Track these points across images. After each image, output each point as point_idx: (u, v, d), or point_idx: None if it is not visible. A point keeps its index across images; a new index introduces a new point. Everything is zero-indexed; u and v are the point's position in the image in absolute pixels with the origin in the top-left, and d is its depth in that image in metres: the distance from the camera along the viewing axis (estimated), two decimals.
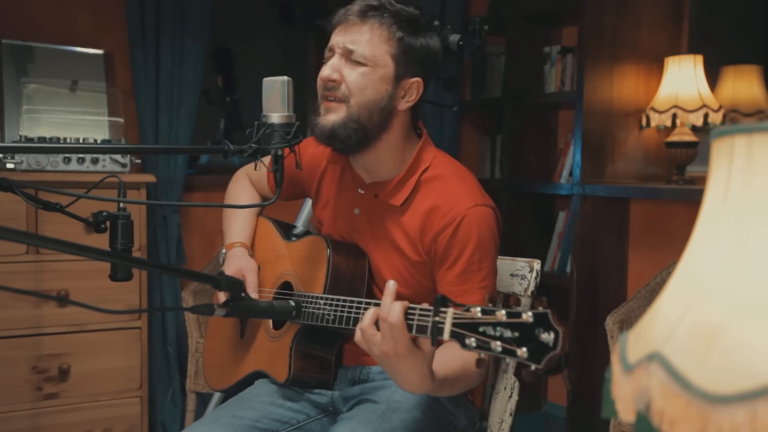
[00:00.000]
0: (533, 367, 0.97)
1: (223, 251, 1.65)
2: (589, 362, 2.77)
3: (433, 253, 1.40)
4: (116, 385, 2.47)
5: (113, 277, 1.22)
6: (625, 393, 0.61)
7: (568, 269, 2.92)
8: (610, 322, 1.99)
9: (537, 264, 1.56)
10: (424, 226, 1.40)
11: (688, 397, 0.53)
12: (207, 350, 1.73)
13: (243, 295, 1.29)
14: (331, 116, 1.37)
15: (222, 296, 1.35)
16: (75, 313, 2.37)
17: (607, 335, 2.00)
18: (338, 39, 1.38)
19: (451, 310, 1.07)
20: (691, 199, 2.49)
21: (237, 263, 1.56)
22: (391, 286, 1.14)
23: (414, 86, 1.40)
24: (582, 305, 2.78)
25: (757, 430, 0.48)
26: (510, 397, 1.50)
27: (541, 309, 0.98)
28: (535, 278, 1.55)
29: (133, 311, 2.49)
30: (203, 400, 2.71)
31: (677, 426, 0.54)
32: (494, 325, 1.01)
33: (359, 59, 1.35)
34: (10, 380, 2.31)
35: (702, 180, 1.93)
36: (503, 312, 1.01)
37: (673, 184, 2.63)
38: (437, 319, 1.08)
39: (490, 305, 1.04)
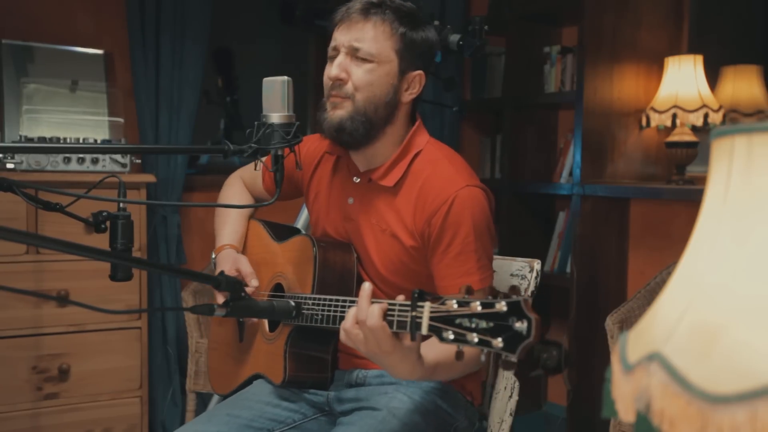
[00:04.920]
0: (511, 357, 0.97)
1: (213, 256, 1.65)
2: (589, 362, 2.77)
3: (427, 237, 1.40)
4: (116, 385, 2.47)
5: (113, 277, 1.22)
6: (625, 393, 0.61)
7: (568, 269, 2.91)
8: (610, 322, 1.99)
9: (537, 264, 1.56)
10: (417, 205, 1.41)
11: (688, 397, 0.53)
12: (210, 356, 1.74)
13: (243, 294, 1.30)
14: (339, 111, 1.40)
15: (221, 297, 1.36)
16: (75, 313, 2.37)
17: (607, 335, 2.00)
18: (342, 37, 1.40)
19: (428, 305, 1.07)
20: (691, 199, 2.49)
21: (229, 261, 1.57)
22: (366, 289, 1.15)
23: (417, 79, 1.44)
24: (582, 305, 2.78)
25: (757, 430, 0.48)
26: (510, 397, 1.50)
27: (514, 297, 0.98)
28: (535, 278, 1.55)
29: (133, 311, 2.49)
30: (203, 400, 2.71)
31: (677, 426, 0.53)
32: (470, 316, 1.01)
33: (365, 56, 1.38)
34: (10, 380, 2.31)
35: (702, 180, 1.92)
36: (478, 303, 1.00)
37: (673, 184, 2.62)
38: (415, 314, 1.09)
39: (467, 296, 1.04)
